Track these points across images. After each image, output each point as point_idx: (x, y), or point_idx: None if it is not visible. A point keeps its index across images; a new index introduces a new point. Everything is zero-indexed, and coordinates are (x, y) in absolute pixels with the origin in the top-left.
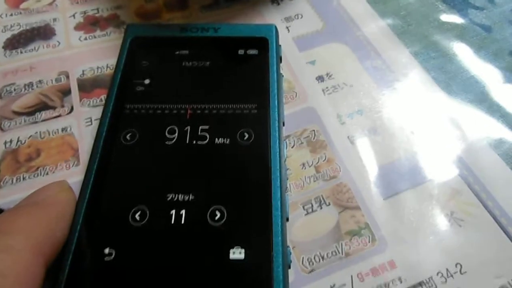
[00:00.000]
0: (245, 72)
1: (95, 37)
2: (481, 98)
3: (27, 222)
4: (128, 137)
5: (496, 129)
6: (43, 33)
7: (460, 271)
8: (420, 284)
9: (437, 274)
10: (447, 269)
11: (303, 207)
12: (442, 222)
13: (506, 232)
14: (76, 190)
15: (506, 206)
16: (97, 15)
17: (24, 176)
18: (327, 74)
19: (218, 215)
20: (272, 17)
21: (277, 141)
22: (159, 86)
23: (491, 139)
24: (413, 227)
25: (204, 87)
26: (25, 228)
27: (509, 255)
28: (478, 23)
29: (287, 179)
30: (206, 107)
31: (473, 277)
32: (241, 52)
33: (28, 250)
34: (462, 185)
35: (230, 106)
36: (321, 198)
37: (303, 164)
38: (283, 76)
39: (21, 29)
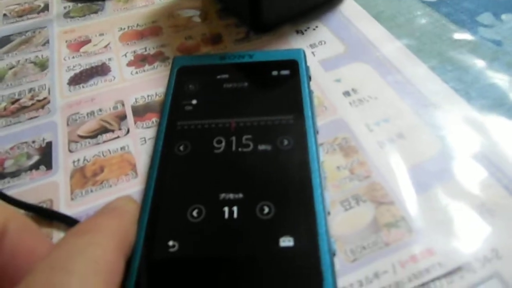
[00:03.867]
0: (279, 89)
1: (144, 71)
2: (500, 103)
3: (109, 224)
4: (181, 148)
5: None
6: (101, 70)
7: (497, 256)
8: (459, 268)
9: (475, 259)
10: (484, 255)
11: (342, 204)
12: (474, 212)
13: None
14: (137, 198)
15: None
16: (145, 53)
17: (92, 189)
18: (352, 90)
19: (267, 210)
20: (298, 45)
21: (314, 145)
22: (205, 105)
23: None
24: (447, 218)
25: (244, 104)
26: (108, 228)
27: None
28: (489, 39)
29: (325, 178)
30: (248, 120)
31: (510, 261)
32: (274, 73)
33: (112, 246)
34: (491, 180)
35: (269, 118)
36: (358, 196)
37: (338, 167)
38: (313, 92)
39: (82, 68)
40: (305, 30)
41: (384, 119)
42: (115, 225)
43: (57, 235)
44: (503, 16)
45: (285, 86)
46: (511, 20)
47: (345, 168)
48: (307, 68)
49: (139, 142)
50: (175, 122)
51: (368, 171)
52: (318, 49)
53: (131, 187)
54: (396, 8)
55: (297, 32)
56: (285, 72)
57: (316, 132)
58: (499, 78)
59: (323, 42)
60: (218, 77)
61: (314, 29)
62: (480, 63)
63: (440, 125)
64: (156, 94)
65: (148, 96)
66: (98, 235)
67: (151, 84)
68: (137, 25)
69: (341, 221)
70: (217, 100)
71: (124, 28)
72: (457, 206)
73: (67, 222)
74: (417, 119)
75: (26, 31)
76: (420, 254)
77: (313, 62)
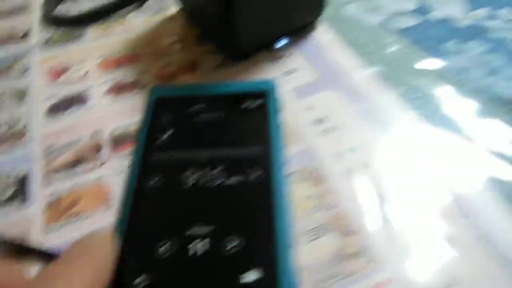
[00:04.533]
0: (250, 121)
1: (122, 99)
2: (461, 130)
3: (82, 269)
4: (153, 181)
5: (479, 156)
6: (79, 99)
7: (457, 284)
8: None
9: None
10: (445, 283)
11: (309, 234)
12: (436, 241)
13: (493, 251)
14: (112, 229)
15: (492, 227)
16: (123, 81)
17: (67, 221)
18: (323, 118)
19: (232, 244)
20: (272, 72)
21: (280, 178)
22: (178, 137)
23: (475, 165)
24: (409, 247)
25: (216, 136)
26: (81, 274)
27: (496, 274)
28: (454, 66)
29: (291, 210)
30: (218, 152)
31: None
32: (246, 104)
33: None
34: (453, 209)
35: (239, 151)
36: (324, 226)
37: (307, 197)
38: (282, 122)
39: (61, 97)
40: (280, 58)
41: (351, 149)
42: (88, 270)
43: (32, 269)
44: (467, 44)
45: (255, 118)
46: (476, 47)
47: (313, 198)
48: (277, 98)
49: (115, 173)
50: (148, 154)
51: (336, 201)
52: (292, 76)
53: (107, 219)
54: (368, 35)
55: (273, 59)
56: (256, 104)
57: (283, 163)
58: (462, 106)
59: (297, 70)
60: (192, 108)
61: (289, 56)
62: (445, 90)
63: (405, 154)
64: (133, 123)
65: (125, 125)
66: (69, 281)
67: (128, 113)
68: (116, 52)
69: (307, 251)
70: (190, 132)
71: (104, 56)
72: (419, 235)
73: (43, 256)
74: (383, 148)
75: (5, 60)
76: (384, 283)
77: (287, 90)
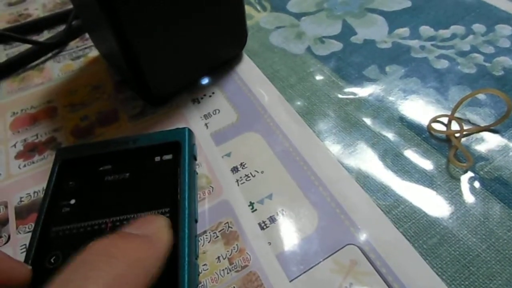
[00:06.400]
0: (160, 178)
1: (33, 162)
2: (381, 162)
3: (135, 254)
4: (52, 260)
5: (390, 193)
6: None
7: None
8: None
9: None
10: None
11: None
12: None
13: None
14: None
15: (397, 271)
16: (36, 141)
17: None
18: (241, 164)
19: None
20: (192, 116)
21: (186, 240)
22: (83, 205)
23: (384, 205)
24: None
25: (123, 199)
26: (133, 258)
27: None
28: (372, 94)
29: (199, 275)
30: (124, 218)
31: None
32: (157, 158)
33: (131, 280)
34: (360, 255)
35: (145, 214)
36: None
37: (218, 258)
38: (197, 173)
39: None
40: (202, 98)
41: (268, 195)
42: (141, 256)
43: None
44: (387, 68)
45: (165, 173)
46: (394, 72)
47: (224, 259)
48: (191, 148)
49: (19, 250)
50: (48, 228)
51: (246, 260)
52: (211, 119)
53: None
54: (290, 65)
55: (194, 101)
56: (167, 157)
57: (194, 223)
58: (379, 137)
59: (217, 111)
60: (99, 170)
61: (210, 96)
62: (363, 122)
63: (316, 200)
64: (42, 190)
65: (34, 193)
66: (119, 263)
67: (38, 179)
68: (31, 107)
69: None
70: (96, 197)
71: (17, 112)
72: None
73: None
74: (299, 193)
75: None
76: None
77: (205, 136)
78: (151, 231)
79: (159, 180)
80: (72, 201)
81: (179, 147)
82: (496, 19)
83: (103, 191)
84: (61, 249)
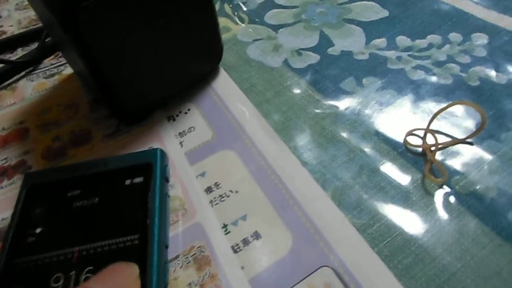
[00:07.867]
0: (130, 201)
1: (2, 187)
2: (356, 178)
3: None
4: None
5: (366, 211)
6: None
7: None
8: None
9: None
10: None
11: None
12: None
13: None
14: None
15: None
16: (5, 164)
17: None
18: (215, 184)
19: None
20: (167, 134)
21: (155, 268)
22: (50, 233)
23: (359, 223)
24: None
25: (92, 226)
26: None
27: None
28: (349, 108)
29: None
30: (92, 246)
31: None
32: (127, 182)
33: None
34: (333, 278)
35: (114, 241)
36: None
37: (189, 284)
38: (169, 196)
39: None
40: (177, 115)
41: (242, 217)
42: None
43: None
44: (364, 80)
45: (135, 198)
46: (371, 84)
47: (196, 285)
48: (163, 170)
49: None
50: (13, 259)
51: (218, 286)
52: (186, 137)
53: None
54: (267, 79)
55: (169, 118)
56: (138, 180)
57: (164, 249)
58: (355, 152)
59: (192, 129)
60: (69, 194)
61: (186, 113)
62: (339, 137)
63: (290, 219)
64: (7, 219)
65: (2, 220)
66: None
67: (7, 205)
68: (2, 129)
69: None
70: (63, 225)
71: None
72: None
73: None
74: (273, 213)
75: None
76: None
77: (180, 155)
78: (118, 285)
79: (129, 204)
80: (38, 230)
81: (150, 169)
82: (472, 28)
83: (71, 217)
84: (25, 282)
